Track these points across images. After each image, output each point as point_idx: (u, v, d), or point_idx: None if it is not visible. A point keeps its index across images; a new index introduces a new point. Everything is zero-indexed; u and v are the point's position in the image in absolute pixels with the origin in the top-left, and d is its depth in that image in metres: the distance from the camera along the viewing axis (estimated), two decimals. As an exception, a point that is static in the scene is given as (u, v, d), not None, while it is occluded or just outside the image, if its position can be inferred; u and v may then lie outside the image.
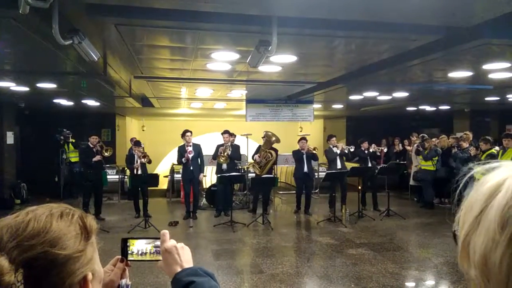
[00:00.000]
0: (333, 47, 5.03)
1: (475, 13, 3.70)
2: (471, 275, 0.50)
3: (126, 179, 10.90)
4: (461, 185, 0.58)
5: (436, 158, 9.48)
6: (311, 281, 5.20)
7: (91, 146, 8.66)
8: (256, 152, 9.27)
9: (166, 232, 1.07)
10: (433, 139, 10.30)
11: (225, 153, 8.77)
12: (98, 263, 0.80)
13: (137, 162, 8.55)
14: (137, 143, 8.83)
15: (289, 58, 5.43)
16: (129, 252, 1.07)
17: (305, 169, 8.92)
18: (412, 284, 5.15)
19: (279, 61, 5.61)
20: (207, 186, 9.91)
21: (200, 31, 4.27)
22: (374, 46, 4.97)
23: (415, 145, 10.20)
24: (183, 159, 8.49)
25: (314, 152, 8.99)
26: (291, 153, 9.41)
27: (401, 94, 9.07)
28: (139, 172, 8.54)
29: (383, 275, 5.21)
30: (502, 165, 0.52)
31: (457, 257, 0.53)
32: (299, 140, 9.08)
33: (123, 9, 3.60)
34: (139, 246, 1.08)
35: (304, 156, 8.89)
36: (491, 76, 6.51)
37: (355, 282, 4.99)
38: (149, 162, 8.87)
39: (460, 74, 6.43)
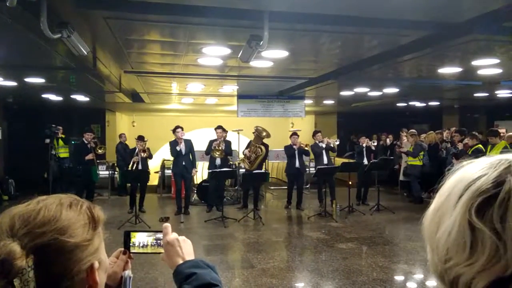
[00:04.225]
0: (324, 42, 5.04)
1: (465, 9, 3.74)
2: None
3: (117, 175, 10.84)
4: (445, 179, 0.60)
5: (422, 152, 9.60)
6: (301, 275, 5.23)
7: (86, 142, 8.60)
8: (247, 148, 9.27)
9: (168, 226, 1.08)
10: (422, 135, 10.44)
11: (220, 147, 8.74)
12: (104, 253, 0.82)
13: (137, 155, 8.49)
14: (140, 138, 8.77)
15: (281, 53, 5.43)
16: (130, 244, 1.09)
17: (297, 164, 8.93)
18: (402, 277, 5.21)
19: (270, 56, 5.61)
20: (198, 182, 9.88)
21: (191, 26, 4.25)
22: (364, 41, 4.99)
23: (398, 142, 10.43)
24: (177, 147, 8.39)
25: (306, 149, 9.01)
26: (283, 149, 9.41)
27: (391, 90, 9.13)
28: (139, 167, 8.49)
29: (372, 269, 5.26)
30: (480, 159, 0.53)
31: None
32: (291, 136, 9.08)
33: (113, 2, 3.56)
34: (140, 239, 1.10)
35: (296, 151, 8.90)
36: (480, 72, 6.59)
37: (346, 276, 5.03)
38: (150, 157, 8.83)
39: (449, 70, 6.49)
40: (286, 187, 9.69)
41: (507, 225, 0.44)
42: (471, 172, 0.50)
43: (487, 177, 0.48)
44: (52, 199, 0.77)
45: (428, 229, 0.52)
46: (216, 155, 8.75)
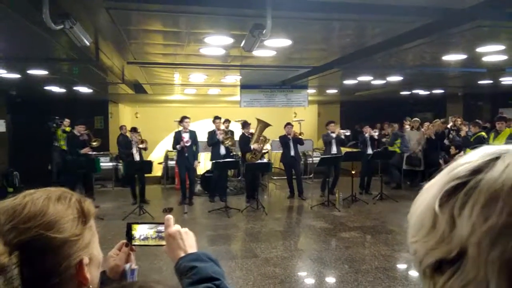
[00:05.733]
0: (328, 30, 5.01)
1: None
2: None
3: (120, 166, 10.87)
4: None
5: (398, 140, 9.85)
6: (304, 264, 5.26)
7: (78, 134, 8.54)
8: (242, 142, 9.04)
9: (170, 217, 1.06)
10: (425, 123, 10.45)
11: (227, 135, 8.74)
12: (97, 247, 0.79)
13: (134, 148, 8.49)
14: (134, 129, 8.75)
15: (284, 42, 5.39)
16: (132, 237, 1.08)
17: (292, 153, 9.03)
18: (404, 266, 5.23)
19: (273, 45, 5.57)
20: (202, 173, 9.91)
21: (194, 15, 4.22)
22: (368, 29, 4.95)
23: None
24: (178, 146, 8.42)
25: (300, 137, 9.06)
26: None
27: (395, 78, 9.08)
28: (137, 158, 8.49)
29: (375, 258, 5.29)
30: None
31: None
32: (285, 126, 9.17)
33: (115, -8, 3.54)
34: (141, 231, 1.08)
35: (290, 141, 8.96)
36: (485, 59, 6.52)
37: (348, 265, 5.06)
38: (145, 149, 8.83)
39: (454, 57, 6.43)
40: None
41: (463, 212, 0.44)
42: (463, 159, 0.50)
43: (469, 165, 0.47)
44: (40, 193, 0.74)
45: (413, 206, 0.54)
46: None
